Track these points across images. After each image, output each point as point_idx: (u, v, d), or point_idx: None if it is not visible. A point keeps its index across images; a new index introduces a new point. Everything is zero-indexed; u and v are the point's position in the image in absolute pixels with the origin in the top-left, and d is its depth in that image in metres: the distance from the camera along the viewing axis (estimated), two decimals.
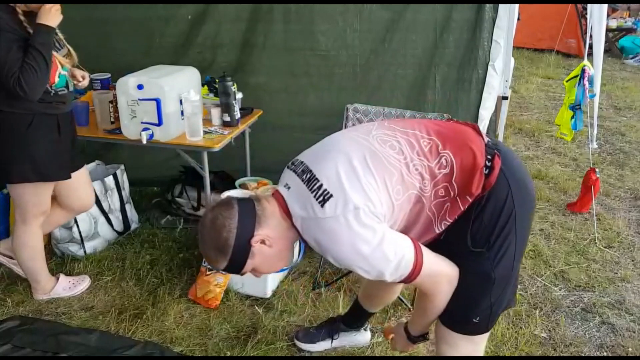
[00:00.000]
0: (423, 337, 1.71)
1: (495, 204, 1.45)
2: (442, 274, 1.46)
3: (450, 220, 1.46)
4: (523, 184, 1.51)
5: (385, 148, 1.42)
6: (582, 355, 2.27)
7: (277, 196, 1.47)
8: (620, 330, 2.40)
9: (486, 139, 1.49)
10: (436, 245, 1.49)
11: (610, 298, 2.61)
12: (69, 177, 2.37)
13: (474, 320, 1.54)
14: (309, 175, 1.41)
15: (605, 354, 2.28)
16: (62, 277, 2.61)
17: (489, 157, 1.44)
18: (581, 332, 2.40)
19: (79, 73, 2.36)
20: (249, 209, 1.42)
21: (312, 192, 1.37)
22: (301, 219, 1.40)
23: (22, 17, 2.07)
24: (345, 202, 1.33)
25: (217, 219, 1.40)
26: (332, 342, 2.23)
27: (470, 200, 1.43)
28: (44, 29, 2.07)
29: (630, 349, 2.30)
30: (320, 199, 1.35)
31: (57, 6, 2.11)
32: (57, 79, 2.18)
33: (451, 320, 1.58)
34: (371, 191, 1.35)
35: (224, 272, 1.53)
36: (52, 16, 2.08)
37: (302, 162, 1.48)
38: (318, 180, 1.38)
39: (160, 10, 3.17)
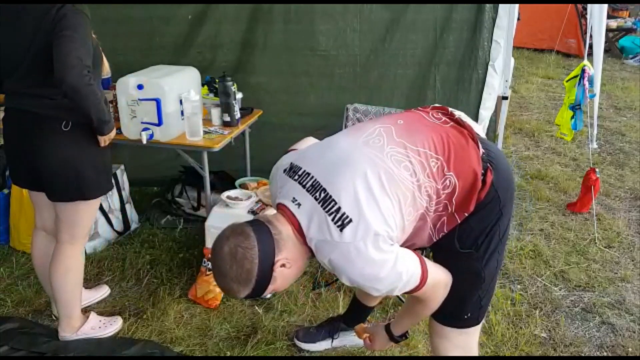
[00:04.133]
0: (405, 335, 1.74)
1: (483, 212, 1.48)
2: (441, 282, 1.48)
3: (446, 231, 1.49)
4: (508, 191, 1.54)
5: (400, 170, 1.38)
6: (582, 355, 2.27)
7: (288, 214, 1.40)
8: (620, 330, 2.40)
9: (481, 149, 1.49)
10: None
11: (610, 298, 2.61)
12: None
13: (465, 316, 1.60)
14: (323, 195, 1.35)
15: (605, 354, 2.28)
16: (93, 315, 2.35)
17: (482, 171, 1.46)
18: (581, 332, 2.40)
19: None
20: (266, 235, 1.35)
21: (329, 215, 1.33)
22: (316, 241, 1.36)
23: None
24: (366, 229, 1.31)
25: (237, 252, 1.32)
26: (332, 342, 2.23)
27: (467, 214, 1.46)
28: (109, 127, 2.07)
29: (630, 349, 2.30)
30: (339, 223, 1.32)
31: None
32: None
33: (443, 318, 1.63)
34: (388, 214, 1.34)
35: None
36: (110, 137, 2.12)
37: (308, 174, 1.41)
38: (335, 203, 1.33)
39: (160, 10, 3.17)
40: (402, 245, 1.43)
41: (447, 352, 1.69)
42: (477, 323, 1.65)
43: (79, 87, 1.87)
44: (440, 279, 1.48)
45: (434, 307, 1.53)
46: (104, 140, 2.10)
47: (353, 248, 1.31)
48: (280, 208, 1.44)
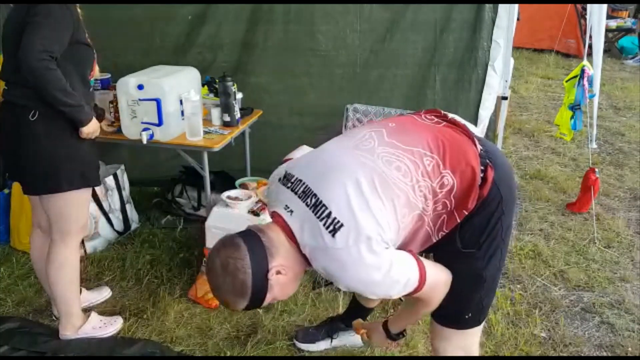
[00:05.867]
0: (402, 334, 1.74)
1: (485, 210, 1.47)
2: (440, 282, 1.47)
3: (447, 231, 1.47)
4: (511, 188, 1.54)
5: (392, 170, 1.37)
6: (582, 355, 2.27)
7: (280, 221, 1.39)
8: (619, 330, 2.40)
9: (479, 147, 1.48)
10: (426, 249, 1.51)
11: (609, 298, 2.62)
12: (101, 182, 2.28)
13: (466, 316, 1.59)
14: (314, 200, 1.34)
15: (604, 353, 2.29)
16: (93, 315, 2.35)
17: (482, 168, 1.45)
18: (580, 331, 2.41)
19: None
20: (257, 244, 1.34)
21: (320, 220, 1.31)
22: (310, 248, 1.35)
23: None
24: (357, 233, 1.29)
25: (228, 264, 1.32)
26: (331, 342, 2.24)
27: (467, 213, 1.44)
28: (85, 117, 2.02)
29: (629, 349, 2.30)
30: (331, 228, 1.30)
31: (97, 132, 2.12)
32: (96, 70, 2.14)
33: (444, 318, 1.62)
34: (381, 217, 1.32)
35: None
36: (88, 126, 2.06)
37: (300, 181, 1.40)
38: (326, 208, 1.32)
39: (160, 10, 3.17)
40: (401, 248, 1.42)
41: (448, 354, 1.68)
42: (479, 324, 1.64)
43: (36, 69, 1.85)
44: (439, 278, 1.47)
45: (434, 306, 1.51)
46: (86, 134, 2.05)
47: (346, 253, 1.30)
48: (273, 216, 1.43)
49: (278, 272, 1.35)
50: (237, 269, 1.31)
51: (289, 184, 1.43)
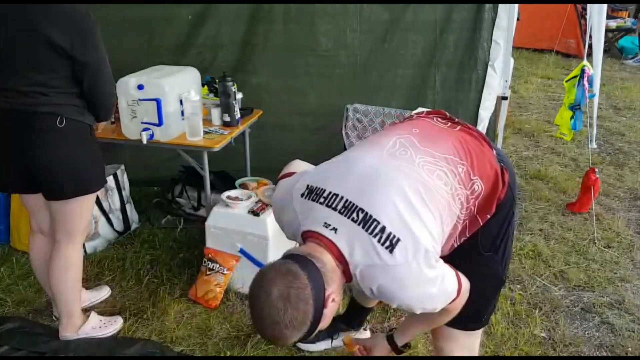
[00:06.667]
0: (407, 345, 1.67)
1: (500, 213, 1.48)
2: (467, 290, 1.41)
3: (468, 235, 1.44)
4: (516, 188, 1.56)
5: (434, 179, 1.32)
6: (582, 355, 2.27)
7: (325, 242, 1.26)
8: (619, 330, 2.40)
9: (494, 150, 1.49)
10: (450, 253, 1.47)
11: (609, 298, 2.62)
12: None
13: (483, 319, 1.63)
14: (362, 215, 1.24)
15: (604, 353, 2.29)
16: (93, 315, 2.35)
17: (500, 171, 1.46)
18: (581, 331, 2.41)
19: None
20: (314, 271, 1.20)
21: (374, 237, 1.22)
22: (363, 267, 1.24)
23: None
24: (416, 247, 1.23)
25: (289, 294, 1.15)
26: (332, 342, 2.24)
27: (489, 216, 1.44)
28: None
29: (629, 349, 2.30)
30: (387, 244, 1.21)
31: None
32: None
33: (460, 322, 1.53)
34: (432, 228, 1.28)
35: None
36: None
37: (336, 195, 1.29)
38: (379, 223, 1.23)
39: (160, 10, 3.17)
40: None
41: (455, 354, 1.68)
42: (486, 324, 1.69)
43: (107, 111, 2.13)
44: (467, 286, 1.40)
45: (453, 315, 1.44)
46: (102, 127, 2.20)
47: (406, 269, 1.22)
48: (313, 236, 1.29)
49: (333, 300, 1.25)
50: (300, 299, 1.16)
51: (322, 199, 1.30)
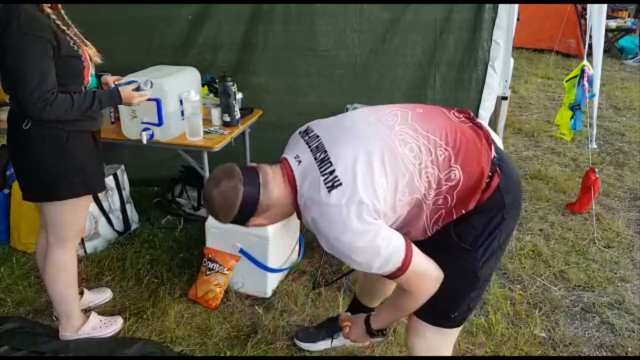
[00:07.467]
0: (382, 332, 1.73)
1: (487, 213, 1.48)
2: (428, 274, 1.47)
3: (441, 226, 1.49)
4: (516, 198, 1.54)
5: (405, 150, 1.41)
6: (582, 355, 2.27)
7: (287, 168, 1.48)
8: (619, 330, 2.40)
9: (493, 152, 1.50)
10: (423, 241, 1.53)
11: (609, 298, 2.62)
12: (105, 187, 2.27)
13: (452, 315, 1.59)
14: (322, 155, 1.41)
15: (604, 353, 2.29)
16: (93, 315, 2.35)
17: (489, 174, 1.46)
18: (581, 331, 2.41)
19: (111, 79, 2.24)
20: (253, 177, 1.45)
21: (322, 175, 1.38)
22: (305, 198, 1.41)
23: (49, 10, 1.90)
24: (352, 195, 1.34)
25: (221, 188, 1.44)
26: (332, 342, 2.24)
27: (464, 212, 1.46)
28: (117, 96, 2.07)
29: (629, 349, 2.30)
30: (330, 184, 1.36)
31: (143, 97, 2.16)
32: (89, 78, 2.05)
33: (430, 314, 1.60)
34: (380, 190, 1.36)
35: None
36: (130, 98, 2.11)
37: (317, 137, 1.48)
38: (332, 165, 1.38)
39: (160, 10, 3.17)
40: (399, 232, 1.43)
41: (419, 352, 1.69)
42: (459, 325, 1.64)
43: (42, 116, 1.87)
44: (429, 271, 1.47)
45: (420, 302, 1.50)
46: (136, 102, 2.15)
47: (336, 211, 1.35)
48: (282, 162, 1.51)
49: (268, 209, 1.47)
50: (228, 195, 1.43)
51: (307, 137, 1.51)
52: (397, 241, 1.40)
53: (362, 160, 1.37)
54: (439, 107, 1.61)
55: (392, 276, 1.43)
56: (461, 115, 1.57)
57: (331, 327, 2.24)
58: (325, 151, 1.42)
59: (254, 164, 1.52)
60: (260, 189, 1.44)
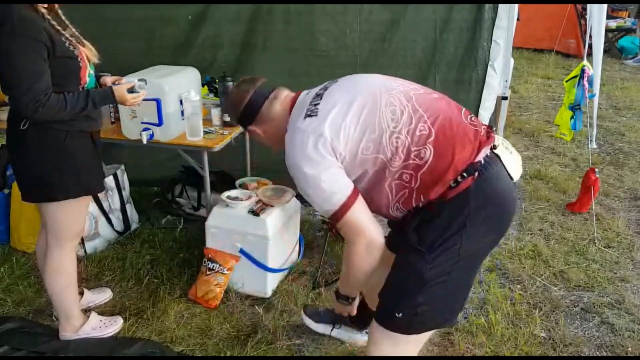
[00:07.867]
0: (346, 298, 1.82)
1: (448, 217, 1.48)
2: (364, 231, 1.52)
3: (404, 209, 1.54)
4: (487, 211, 1.49)
5: (387, 110, 1.51)
6: (582, 355, 2.27)
7: (295, 94, 1.71)
8: (619, 330, 2.40)
9: (481, 156, 1.48)
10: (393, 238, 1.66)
11: (609, 298, 2.62)
12: (104, 188, 2.25)
13: (397, 314, 1.56)
14: (321, 92, 1.61)
15: (604, 353, 2.29)
16: (93, 315, 2.34)
17: (464, 174, 1.45)
18: (581, 331, 2.41)
19: (110, 80, 2.20)
20: (262, 95, 1.70)
21: (309, 106, 1.58)
22: (290, 120, 1.62)
23: (43, 10, 1.88)
24: (318, 125, 1.51)
25: (233, 92, 1.78)
26: (331, 330, 2.25)
27: (424, 201, 1.49)
28: (111, 96, 2.04)
29: (629, 349, 2.30)
30: (308, 113, 1.55)
31: (139, 97, 2.14)
32: (87, 79, 2.03)
33: (378, 311, 1.64)
34: (343, 132, 1.49)
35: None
36: (123, 99, 2.08)
37: (335, 81, 1.66)
38: (321, 101, 1.57)
39: (160, 10, 3.17)
40: (361, 192, 1.53)
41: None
42: (407, 332, 1.59)
43: (36, 117, 1.86)
44: (365, 227, 1.52)
45: (354, 266, 1.59)
46: (130, 103, 2.12)
47: (300, 135, 1.53)
48: (298, 92, 1.73)
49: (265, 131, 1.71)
50: (238, 98, 1.72)
51: (329, 82, 1.69)
52: (343, 185, 1.51)
53: (343, 102, 1.53)
54: (458, 104, 1.63)
55: (333, 219, 1.53)
56: (475, 122, 1.56)
57: (337, 317, 2.24)
58: (326, 89, 1.61)
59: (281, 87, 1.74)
60: (266, 102, 1.67)
